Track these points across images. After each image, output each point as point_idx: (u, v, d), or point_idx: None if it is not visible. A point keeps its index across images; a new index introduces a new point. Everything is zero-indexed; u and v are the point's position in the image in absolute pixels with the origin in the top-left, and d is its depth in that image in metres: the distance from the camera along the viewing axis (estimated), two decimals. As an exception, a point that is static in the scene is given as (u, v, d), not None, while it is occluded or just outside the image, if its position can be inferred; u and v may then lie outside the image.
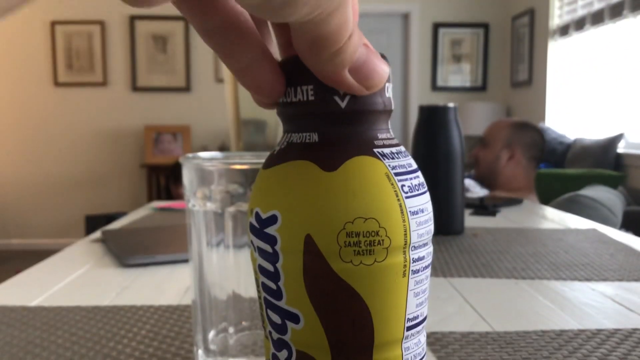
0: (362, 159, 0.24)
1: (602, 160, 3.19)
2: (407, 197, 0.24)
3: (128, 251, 0.78)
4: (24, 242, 4.89)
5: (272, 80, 0.24)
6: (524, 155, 1.89)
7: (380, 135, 0.25)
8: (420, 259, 0.25)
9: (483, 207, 1.25)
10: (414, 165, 0.26)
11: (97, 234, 0.96)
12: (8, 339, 0.50)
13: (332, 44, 0.21)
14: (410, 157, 0.26)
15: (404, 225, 0.24)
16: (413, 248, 0.25)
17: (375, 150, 0.25)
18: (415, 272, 0.25)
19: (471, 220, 1.12)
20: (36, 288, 0.66)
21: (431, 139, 0.97)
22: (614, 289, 0.65)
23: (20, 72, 4.78)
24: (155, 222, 1.11)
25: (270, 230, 0.25)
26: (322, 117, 0.25)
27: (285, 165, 0.25)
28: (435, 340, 0.50)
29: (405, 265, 0.24)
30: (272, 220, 0.25)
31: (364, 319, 0.24)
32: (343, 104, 0.24)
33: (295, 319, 0.25)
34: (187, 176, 0.41)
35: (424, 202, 0.25)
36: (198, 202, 0.40)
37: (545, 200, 1.85)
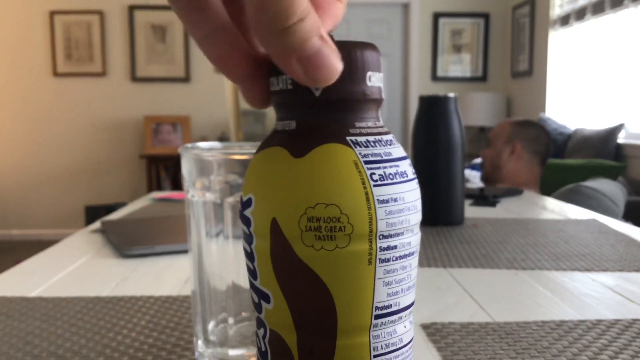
0: (330, 147, 0.24)
1: (603, 151, 3.18)
2: (375, 186, 0.24)
3: (127, 242, 0.78)
4: (24, 233, 4.90)
5: (232, 54, 0.25)
6: (526, 150, 1.90)
7: (358, 124, 0.25)
8: (391, 248, 0.25)
9: (483, 198, 1.25)
10: (396, 155, 0.26)
11: (97, 225, 0.96)
12: (7, 330, 0.50)
13: (278, 19, 0.21)
14: (395, 146, 0.26)
15: (370, 213, 0.24)
16: (381, 237, 0.24)
17: (348, 138, 0.25)
18: (385, 260, 0.25)
19: (471, 211, 1.12)
20: (35, 279, 0.66)
21: (431, 130, 0.97)
22: (614, 280, 0.65)
23: (19, 63, 4.76)
24: (155, 213, 1.11)
25: (247, 212, 0.26)
26: (298, 105, 0.25)
27: (264, 151, 0.26)
28: (435, 331, 0.50)
29: (371, 254, 0.24)
30: (248, 203, 0.26)
31: (326, 303, 0.25)
32: (317, 93, 0.25)
33: (267, 299, 0.26)
34: (186, 166, 0.41)
35: (401, 191, 0.25)
36: (197, 193, 0.40)
37: (546, 190, 1.85)
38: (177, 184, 4.07)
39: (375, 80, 0.25)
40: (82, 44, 4.78)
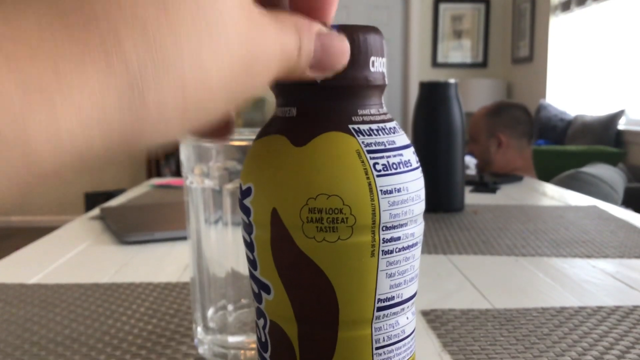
0: (332, 135, 0.24)
1: (603, 137, 3.18)
2: (378, 176, 0.24)
3: (127, 228, 0.78)
4: (24, 220, 4.90)
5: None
6: (511, 137, 1.86)
7: (361, 111, 0.25)
8: (394, 239, 0.24)
9: (483, 184, 1.25)
10: (400, 143, 0.25)
11: (96, 211, 0.96)
12: (6, 317, 0.50)
13: (286, 69, 0.21)
14: (398, 134, 0.25)
15: (373, 204, 0.23)
16: (384, 228, 0.24)
17: (351, 126, 0.24)
18: (388, 252, 0.24)
19: (471, 198, 1.12)
20: (34, 265, 0.66)
21: (432, 116, 0.96)
22: (614, 266, 0.65)
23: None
24: (154, 200, 1.11)
25: (247, 202, 0.25)
26: (299, 91, 0.25)
27: (264, 139, 0.25)
28: (435, 318, 0.49)
29: (373, 245, 0.24)
30: (248, 192, 0.25)
31: (327, 295, 0.24)
32: (319, 79, 0.24)
33: (267, 289, 0.25)
34: (185, 153, 0.40)
35: (404, 181, 0.24)
36: (196, 179, 0.40)
37: (546, 177, 1.84)
38: (176, 171, 4.07)
39: (378, 65, 0.25)
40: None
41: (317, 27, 0.22)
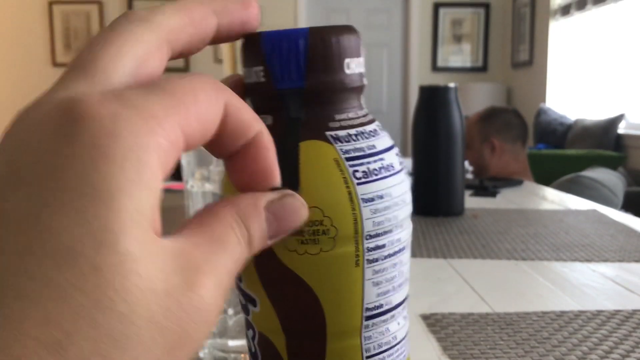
0: (309, 144, 0.23)
1: (603, 141, 3.18)
2: (359, 184, 0.23)
3: (127, 232, 0.78)
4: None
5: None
6: (504, 141, 1.84)
7: (338, 116, 0.24)
8: (379, 247, 0.24)
9: (483, 188, 1.25)
10: (381, 146, 0.24)
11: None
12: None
13: (241, 263, 0.19)
14: (379, 136, 0.24)
15: (354, 214, 0.23)
16: (368, 237, 0.23)
17: (328, 133, 0.23)
18: (373, 261, 0.24)
19: (471, 201, 1.12)
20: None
21: (431, 120, 0.96)
22: (614, 270, 0.65)
23: (18, 53, 4.75)
24: (155, 203, 1.11)
25: None
26: (272, 99, 0.24)
27: None
28: (435, 322, 0.50)
29: (357, 255, 0.23)
30: None
31: (313, 308, 0.23)
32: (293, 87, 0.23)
33: (253, 302, 0.25)
34: (185, 157, 0.40)
35: (387, 186, 0.24)
36: (196, 183, 0.40)
37: (546, 181, 1.84)
38: (177, 175, 4.08)
39: (354, 66, 0.24)
40: (81, 34, 4.76)
41: (263, 200, 0.20)
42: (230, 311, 0.41)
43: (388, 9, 4.85)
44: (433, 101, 0.97)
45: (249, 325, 0.26)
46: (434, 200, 0.96)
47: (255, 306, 0.25)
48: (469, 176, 1.73)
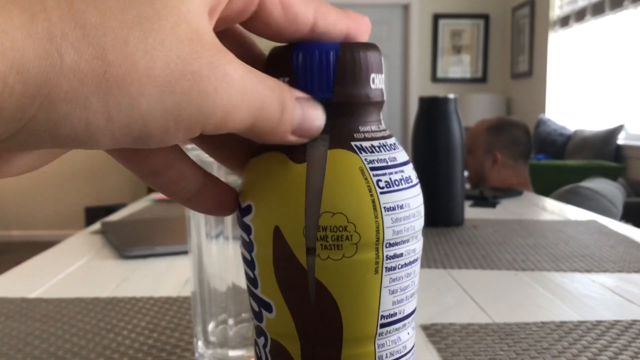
0: (336, 152, 0.24)
1: (602, 152, 3.18)
2: (382, 193, 0.24)
3: (128, 243, 0.78)
4: (24, 234, 4.90)
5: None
6: (508, 157, 1.82)
7: (362, 128, 0.25)
8: (397, 256, 0.24)
9: (483, 199, 1.25)
10: (400, 159, 0.25)
11: (97, 226, 0.96)
12: (7, 331, 0.50)
13: (262, 128, 0.21)
14: (398, 150, 0.26)
15: (377, 221, 0.23)
16: (388, 245, 0.24)
17: (353, 143, 0.24)
18: (391, 269, 0.24)
19: (471, 212, 1.12)
20: (35, 280, 0.66)
21: (431, 131, 0.97)
22: (614, 281, 0.65)
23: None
24: (155, 214, 1.11)
25: (247, 220, 0.25)
26: None
27: (262, 156, 0.25)
28: (435, 332, 0.50)
29: (377, 262, 0.24)
30: (248, 210, 0.25)
31: (331, 313, 0.24)
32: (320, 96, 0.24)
33: (268, 308, 0.25)
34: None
35: (406, 197, 0.24)
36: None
37: (546, 191, 1.84)
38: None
39: (378, 82, 0.25)
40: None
41: (297, 92, 0.22)
42: (231, 321, 0.41)
43: (388, 21, 4.87)
44: (433, 112, 0.97)
45: (260, 332, 0.26)
46: (434, 210, 0.96)
47: (271, 312, 0.25)
48: (466, 185, 1.72)
